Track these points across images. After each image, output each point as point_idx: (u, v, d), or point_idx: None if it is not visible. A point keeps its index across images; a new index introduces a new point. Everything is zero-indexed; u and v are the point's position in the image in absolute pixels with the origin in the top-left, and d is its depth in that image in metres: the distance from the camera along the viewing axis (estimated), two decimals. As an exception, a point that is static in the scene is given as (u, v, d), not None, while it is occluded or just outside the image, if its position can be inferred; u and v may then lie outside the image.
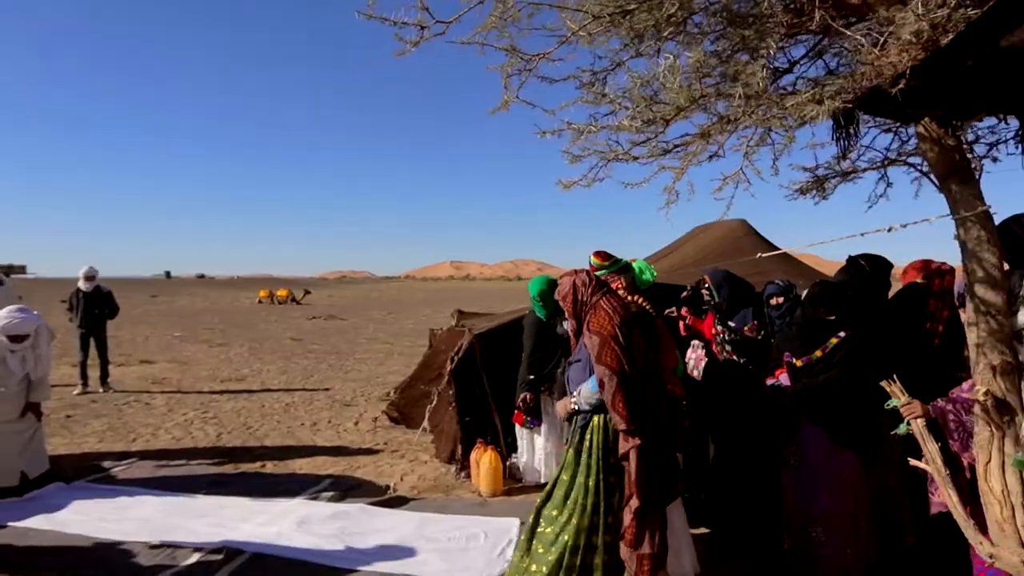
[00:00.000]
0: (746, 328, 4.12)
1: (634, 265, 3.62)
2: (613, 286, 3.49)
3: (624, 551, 2.68)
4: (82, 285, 8.43)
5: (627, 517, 2.65)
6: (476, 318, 7.42)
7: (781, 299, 4.41)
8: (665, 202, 2.94)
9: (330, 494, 4.69)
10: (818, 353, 3.17)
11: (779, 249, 5.12)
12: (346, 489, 4.81)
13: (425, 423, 5.73)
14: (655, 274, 3.79)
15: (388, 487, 4.77)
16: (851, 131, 2.74)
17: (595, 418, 2.86)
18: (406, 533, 3.94)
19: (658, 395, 2.83)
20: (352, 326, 20.80)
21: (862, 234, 3.29)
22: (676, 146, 2.56)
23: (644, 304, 3.41)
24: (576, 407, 2.90)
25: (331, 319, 23.57)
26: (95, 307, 8.47)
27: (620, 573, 2.73)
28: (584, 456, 2.85)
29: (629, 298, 3.42)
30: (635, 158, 2.93)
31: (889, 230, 3.08)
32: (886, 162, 3.11)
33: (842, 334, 3.18)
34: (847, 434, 3.17)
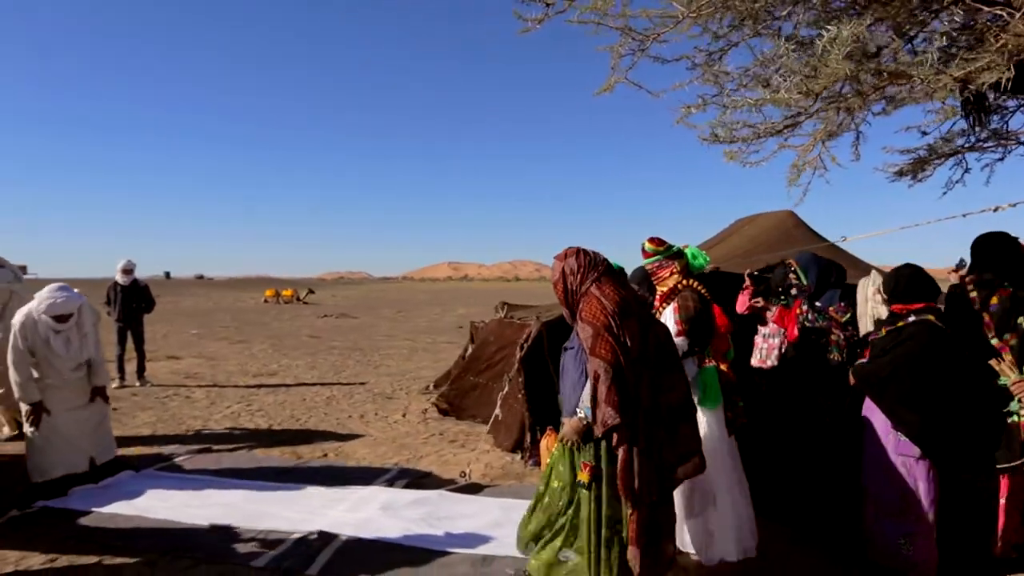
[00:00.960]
0: (832, 309, 4.12)
1: (687, 251, 3.61)
2: (668, 271, 3.51)
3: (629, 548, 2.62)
4: (120, 279, 8.39)
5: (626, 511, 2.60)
6: (522, 310, 7.42)
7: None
8: (788, 180, 2.95)
9: (404, 481, 4.68)
10: (883, 331, 3.10)
11: (846, 238, 5.11)
12: (416, 477, 4.80)
13: (497, 410, 5.71)
14: (708, 259, 3.77)
15: (463, 474, 4.76)
16: (984, 106, 2.75)
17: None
18: (495, 517, 3.93)
19: (655, 384, 2.65)
20: (365, 324, 20.77)
21: (964, 215, 3.30)
22: (822, 108, 2.56)
23: (700, 288, 3.41)
24: (587, 422, 2.64)
25: (343, 317, 23.52)
26: (132, 301, 8.43)
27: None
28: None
29: (684, 282, 3.42)
30: (779, 131, 2.92)
31: (995, 210, 3.10)
32: (1007, 140, 3.12)
33: (912, 318, 3.04)
34: (905, 420, 3.03)
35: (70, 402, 4.48)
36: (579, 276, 2.74)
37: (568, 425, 2.71)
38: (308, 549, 3.49)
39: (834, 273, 4.30)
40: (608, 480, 2.62)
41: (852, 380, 3.18)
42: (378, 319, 23.35)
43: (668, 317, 3.35)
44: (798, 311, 4.24)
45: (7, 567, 3.28)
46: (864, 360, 3.19)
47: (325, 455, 5.50)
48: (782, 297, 4.40)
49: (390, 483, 4.66)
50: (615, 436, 2.51)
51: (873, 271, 5.26)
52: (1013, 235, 3.36)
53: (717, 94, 3.26)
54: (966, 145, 3.19)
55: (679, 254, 3.58)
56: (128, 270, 8.38)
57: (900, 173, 3.43)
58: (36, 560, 3.35)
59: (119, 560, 3.37)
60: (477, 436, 6.08)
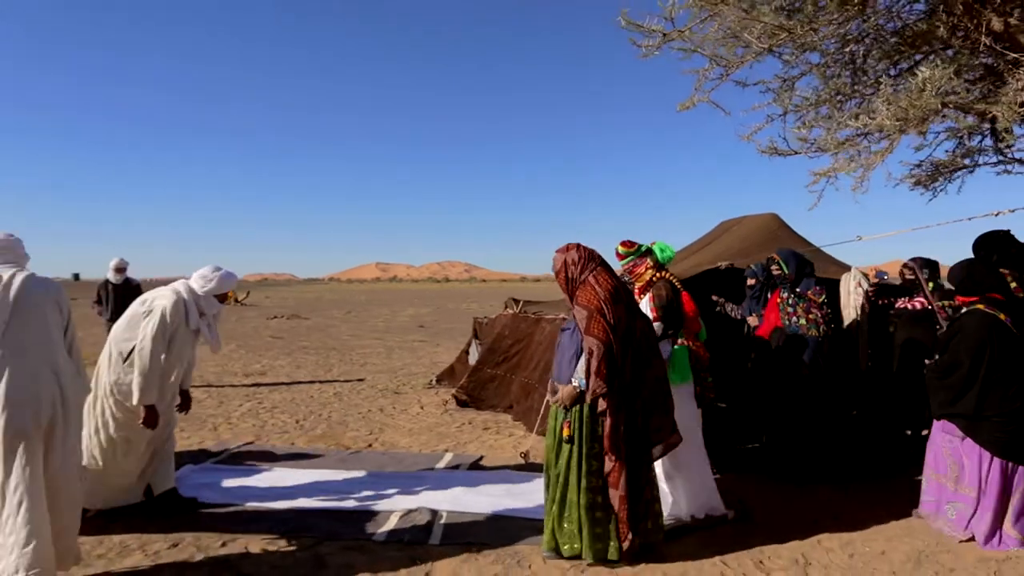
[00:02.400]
0: (809, 292, 4.81)
1: (654, 247, 4.13)
2: (643, 267, 4.02)
3: (611, 492, 3.12)
4: (112, 277, 8.13)
5: (608, 464, 3.11)
6: (534, 305, 7.83)
7: (754, 281, 5.32)
8: (854, 187, 3.55)
9: (465, 464, 4.99)
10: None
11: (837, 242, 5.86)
12: (474, 460, 5.11)
13: (550, 397, 6.07)
14: (674, 250, 4.28)
15: (524, 455, 5.12)
16: (1007, 132, 3.43)
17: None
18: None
19: (639, 360, 3.17)
20: (322, 325, 20.47)
21: (968, 219, 4.01)
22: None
23: (671, 278, 3.95)
24: (580, 388, 3.13)
25: (295, 319, 23.01)
26: (125, 300, 8.16)
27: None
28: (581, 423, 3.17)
29: (658, 274, 3.93)
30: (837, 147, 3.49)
31: (996, 214, 3.81)
32: (1007, 159, 3.85)
33: (964, 309, 3.35)
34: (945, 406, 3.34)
35: (170, 401, 3.97)
36: (579, 267, 3.26)
37: (563, 391, 3.20)
38: (419, 523, 3.76)
39: (808, 266, 5.02)
40: (588, 438, 3.12)
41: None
42: (331, 320, 23.01)
43: (645, 306, 3.85)
44: (778, 300, 4.91)
45: (132, 551, 3.37)
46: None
47: (370, 445, 5.70)
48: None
49: (455, 466, 4.96)
50: (603, 401, 3.05)
51: (853, 268, 6.06)
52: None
53: (782, 114, 3.80)
54: (975, 162, 3.91)
55: (648, 252, 4.07)
56: (121, 268, 8.13)
57: (918, 183, 4.10)
58: (159, 544, 3.46)
59: (242, 540, 3.53)
60: (506, 423, 6.45)
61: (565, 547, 3.21)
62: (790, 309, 4.81)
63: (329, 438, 5.92)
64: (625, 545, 3.12)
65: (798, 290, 4.82)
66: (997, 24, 3.22)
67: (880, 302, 5.39)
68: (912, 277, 5.24)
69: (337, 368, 10.63)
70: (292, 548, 3.46)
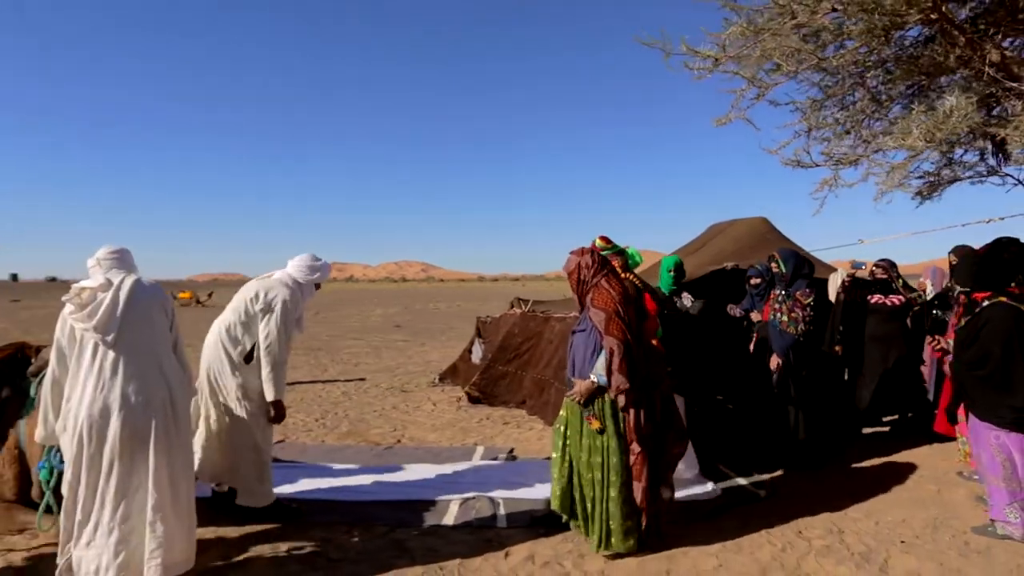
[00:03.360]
0: (798, 293, 5.26)
1: (628, 250, 4.50)
2: (612, 264, 4.21)
3: (634, 484, 3.32)
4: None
5: (631, 457, 3.33)
6: (542, 304, 8.11)
7: (759, 280, 5.76)
8: (876, 197, 3.98)
9: (501, 456, 5.23)
10: (962, 321, 3.76)
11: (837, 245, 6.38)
12: (507, 452, 5.36)
13: (575, 386, 6.36)
14: (642, 259, 4.72)
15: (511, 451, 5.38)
16: (1005, 152, 3.92)
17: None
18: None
19: (647, 355, 3.49)
20: (296, 325, 20.23)
21: (963, 225, 4.50)
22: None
23: (635, 280, 4.28)
24: (597, 383, 3.33)
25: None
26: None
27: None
28: (593, 408, 3.38)
29: (624, 275, 4.18)
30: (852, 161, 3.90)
31: (988, 221, 4.30)
32: (988, 172, 4.34)
33: (986, 303, 3.52)
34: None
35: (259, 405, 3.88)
36: (591, 271, 3.50)
37: (581, 385, 3.39)
38: (481, 509, 4.00)
39: (806, 267, 5.48)
40: (613, 434, 3.32)
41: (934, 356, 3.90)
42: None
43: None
44: (773, 295, 5.36)
45: (213, 544, 3.50)
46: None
47: (399, 440, 5.88)
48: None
49: (492, 457, 5.20)
50: (625, 397, 3.27)
51: (839, 268, 6.60)
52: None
53: (807, 131, 4.20)
54: (972, 174, 4.41)
55: (622, 252, 4.42)
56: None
57: (919, 194, 4.58)
58: (234, 534, 3.60)
59: (315, 531, 3.69)
60: (522, 418, 6.72)
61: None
62: (777, 305, 5.22)
63: (356, 435, 6.07)
64: (646, 535, 3.38)
65: (789, 289, 5.25)
66: (995, 55, 3.68)
67: (855, 295, 5.89)
68: (884, 276, 5.78)
69: (332, 368, 10.68)
70: (369, 536, 3.65)
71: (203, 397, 3.80)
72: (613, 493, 3.32)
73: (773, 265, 5.37)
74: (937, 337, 4.10)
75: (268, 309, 3.75)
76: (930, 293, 6.01)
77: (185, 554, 3.01)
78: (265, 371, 3.71)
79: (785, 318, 5.07)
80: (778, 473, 4.71)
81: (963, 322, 3.59)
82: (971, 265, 3.66)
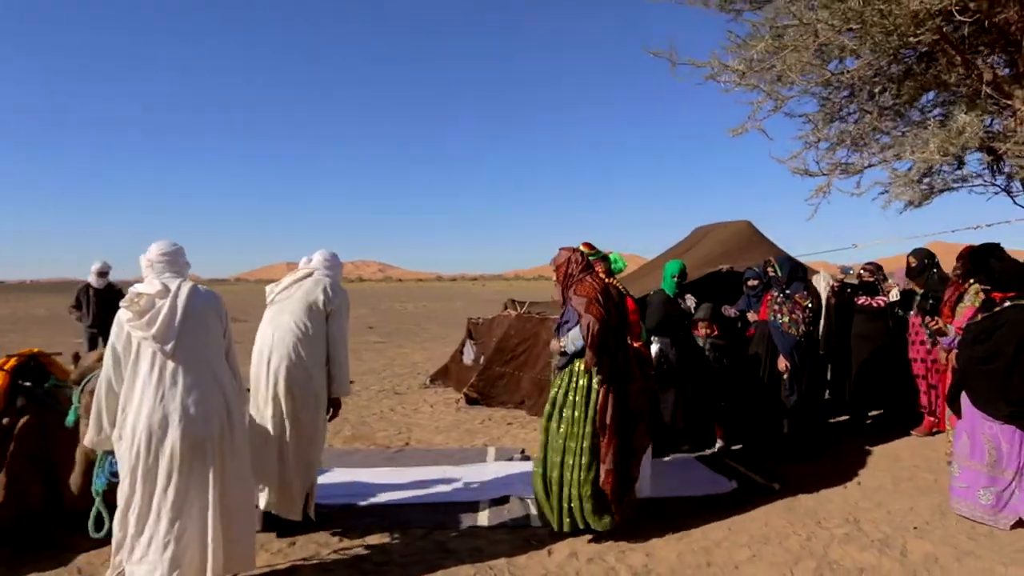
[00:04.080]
0: (797, 296, 5.56)
1: (611, 256, 4.73)
2: (597, 268, 4.43)
3: (601, 466, 3.51)
4: (94, 281, 7.72)
5: (600, 439, 3.51)
6: (537, 305, 8.21)
7: (756, 282, 6.07)
8: (885, 204, 4.23)
9: (516, 456, 5.31)
10: (979, 316, 3.95)
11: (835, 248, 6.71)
12: (520, 452, 5.45)
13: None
14: (625, 264, 4.96)
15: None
16: (999, 163, 4.22)
17: (578, 363, 3.61)
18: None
19: (620, 348, 3.69)
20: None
21: (952, 231, 4.82)
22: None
23: (618, 284, 4.50)
24: (563, 348, 3.66)
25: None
26: (107, 306, 7.79)
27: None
28: (572, 396, 3.62)
29: (608, 280, 4.37)
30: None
31: (975, 228, 4.62)
32: (987, 183, 4.67)
33: (1008, 304, 3.75)
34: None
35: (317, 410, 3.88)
36: (579, 266, 3.79)
37: (552, 343, 3.84)
38: (512, 509, 4.08)
39: (800, 271, 5.80)
40: (581, 418, 3.54)
41: (939, 356, 4.13)
42: (270, 322, 22.25)
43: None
44: (770, 297, 5.65)
45: (257, 552, 3.48)
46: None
47: (407, 443, 5.89)
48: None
49: (507, 458, 5.28)
50: (599, 373, 3.52)
51: (821, 270, 6.95)
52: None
53: (816, 141, 4.44)
54: (962, 184, 4.72)
55: (605, 257, 4.64)
56: (104, 272, 7.74)
57: (911, 202, 4.88)
58: (277, 543, 3.58)
59: (352, 535, 3.70)
60: (524, 418, 6.81)
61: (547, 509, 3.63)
62: (777, 307, 5.50)
63: (363, 438, 6.05)
64: (616, 518, 3.55)
65: (787, 292, 5.52)
66: (988, 75, 3.98)
67: (843, 297, 6.23)
68: (872, 279, 6.13)
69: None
70: (408, 539, 3.68)
71: (271, 406, 3.64)
72: (583, 475, 3.50)
73: (769, 269, 5.65)
74: (936, 319, 4.39)
75: (334, 308, 3.77)
76: (894, 295, 6.35)
77: (243, 567, 2.99)
78: (337, 370, 3.74)
79: (786, 319, 5.34)
80: (781, 466, 4.94)
81: (979, 317, 3.82)
82: (1004, 268, 3.84)
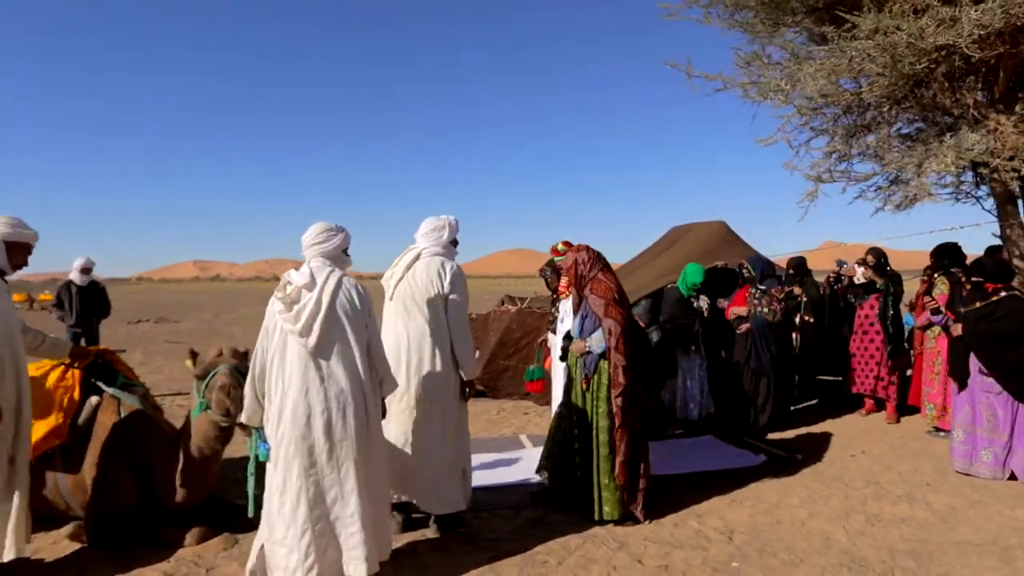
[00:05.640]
0: (773, 290, 6.25)
1: None
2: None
3: (616, 458, 3.71)
4: (76, 278, 7.29)
5: (616, 432, 3.71)
6: (536, 301, 8.54)
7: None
8: (881, 208, 4.86)
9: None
10: (977, 303, 4.58)
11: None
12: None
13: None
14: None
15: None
16: (981, 177, 4.97)
17: (603, 362, 3.78)
18: (669, 448, 5.26)
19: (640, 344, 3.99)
20: (207, 328, 18.94)
21: (930, 232, 5.59)
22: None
23: None
24: (589, 349, 3.81)
25: (164, 322, 20.93)
26: (90, 304, 7.40)
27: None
28: (596, 390, 3.81)
29: None
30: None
31: (951, 229, 5.41)
32: (967, 194, 5.43)
33: (1004, 293, 4.37)
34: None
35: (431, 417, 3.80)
36: (588, 265, 3.95)
37: (575, 345, 3.94)
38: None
39: (770, 268, 6.51)
40: (606, 413, 3.74)
41: (958, 331, 4.57)
42: (209, 322, 21.32)
43: (568, 304, 4.75)
44: (747, 293, 6.34)
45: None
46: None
47: (438, 435, 6.06)
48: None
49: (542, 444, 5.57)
50: (623, 373, 3.69)
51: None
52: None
53: (831, 152, 5.04)
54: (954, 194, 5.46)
55: None
56: (87, 269, 7.32)
57: (896, 207, 5.58)
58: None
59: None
60: (535, 408, 7.14)
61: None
62: (756, 301, 6.15)
63: (391, 432, 6.15)
64: (626, 507, 3.76)
65: (763, 287, 6.19)
66: (969, 100, 4.72)
67: (841, 288, 6.94)
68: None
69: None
70: (500, 519, 3.90)
71: (416, 399, 3.63)
72: (605, 465, 3.73)
73: (744, 271, 6.31)
74: (934, 297, 5.05)
75: (448, 291, 3.62)
76: (858, 279, 7.03)
77: (378, 556, 3.04)
78: (465, 349, 3.68)
79: (765, 310, 6.00)
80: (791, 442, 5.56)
81: (979, 304, 4.49)
82: (995, 263, 4.58)
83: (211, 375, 3.33)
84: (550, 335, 5.60)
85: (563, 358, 4.20)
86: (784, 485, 4.46)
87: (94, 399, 3.79)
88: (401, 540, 3.59)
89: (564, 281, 5.07)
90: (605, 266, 3.96)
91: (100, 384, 3.85)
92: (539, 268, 6.02)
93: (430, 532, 3.68)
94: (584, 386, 3.84)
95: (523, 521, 3.89)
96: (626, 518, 3.77)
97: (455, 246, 3.84)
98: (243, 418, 3.07)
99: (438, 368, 3.64)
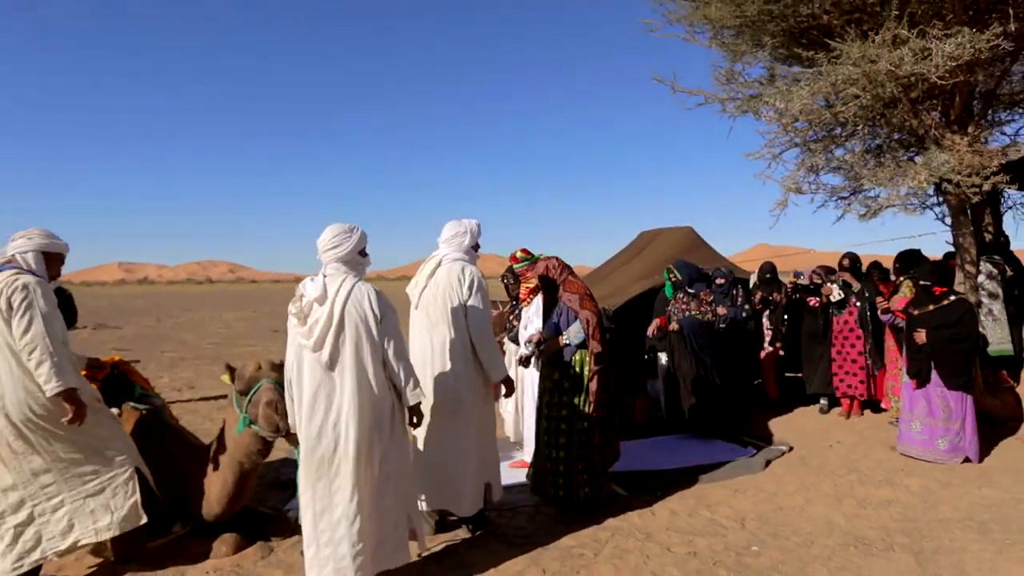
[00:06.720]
0: (702, 293, 6.50)
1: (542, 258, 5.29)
2: (531, 273, 4.89)
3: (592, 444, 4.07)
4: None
5: (590, 419, 4.05)
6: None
7: (723, 280, 7.19)
8: (841, 217, 5.31)
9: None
10: (931, 307, 5.10)
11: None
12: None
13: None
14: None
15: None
16: (941, 190, 5.49)
17: (580, 352, 4.11)
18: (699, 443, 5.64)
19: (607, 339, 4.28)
20: (152, 334, 18.10)
21: (910, 236, 6.15)
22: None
23: None
24: (567, 342, 4.12)
25: (103, 328, 19.86)
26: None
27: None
28: (574, 379, 4.13)
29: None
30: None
31: (917, 236, 5.98)
32: (924, 205, 5.97)
33: (953, 297, 4.95)
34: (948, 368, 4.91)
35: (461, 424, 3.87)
36: (558, 271, 4.34)
37: (550, 343, 4.22)
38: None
39: (697, 273, 6.71)
40: (584, 401, 4.08)
41: (922, 339, 5.00)
42: (153, 328, 20.35)
43: (536, 306, 4.97)
44: (679, 299, 6.71)
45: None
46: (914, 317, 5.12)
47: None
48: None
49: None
50: (597, 360, 4.03)
51: (754, 273, 8.20)
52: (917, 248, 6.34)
53: (809, 165, 5.47)
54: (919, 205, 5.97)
55: (537, 261, 5.13)
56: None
57: (863, 215, 6.08)
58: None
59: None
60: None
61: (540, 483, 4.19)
62: (684, 305, 6.45)
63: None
64: (597, 493, 4.10)
65: (691, 291, 6.43)
66: (929, 121, 5.23)
67: (796, 296, 7.45)
68: (820, 282, 7.41)
69: (266, 377, 10.12)
70: (518, 515, 4.09)
71: (442, 407, 3.68)
72: (581, 451, 4.04)
73: (671, 276, 6.45)
74: (885, 301, 5.58)
75: (467, 298, 3.63)
76: (835, 296, 7.61)
77: (397, 561, 3.12)
78: (490, 354, 3.69)
79: (695, 313, 6.31)
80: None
81: (931, 307, 5.00)
82: (934, 268, 5.17)
83: (254, 390, 3.32)
84: (506, 339, 5.66)
85: (525, 364, 4.34)
86: (776, 475, 4.82)
87: (114, 411, 3.72)
88: (437, 541, 3.71)
89: (524, 289, 5.28)
90: (572, 272, 4.38)
91: (120, 396, 3.78)
92: (501, 275, 6.16)
93: (462, 532, 3.81)
94: (559, 375, 4.12)
95: (545, 518, 4.07)
96: (609, 498, 4.20)
97: (476, 250, 3.88)
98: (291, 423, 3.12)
99: (462, 374, 3.66)
